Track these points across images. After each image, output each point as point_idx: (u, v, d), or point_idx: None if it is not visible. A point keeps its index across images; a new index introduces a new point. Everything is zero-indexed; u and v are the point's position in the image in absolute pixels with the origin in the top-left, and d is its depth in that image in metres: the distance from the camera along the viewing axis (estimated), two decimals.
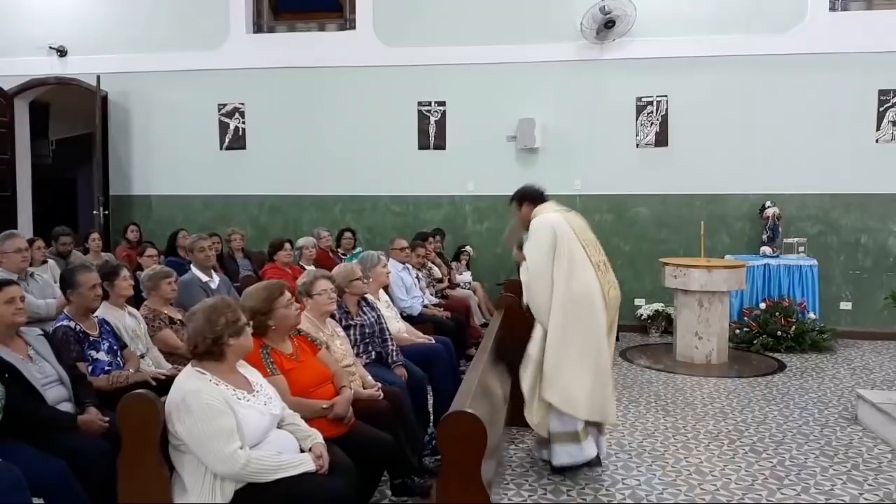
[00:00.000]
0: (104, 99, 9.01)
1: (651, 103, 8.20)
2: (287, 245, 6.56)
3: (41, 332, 3.38)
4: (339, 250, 7.90)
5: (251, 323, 2.82)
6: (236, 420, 2.53)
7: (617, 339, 4.94)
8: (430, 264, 7.28)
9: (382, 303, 4.95)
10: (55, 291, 4.96)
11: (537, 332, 3.93)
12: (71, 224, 9.22)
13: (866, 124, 7.82)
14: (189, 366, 2.69)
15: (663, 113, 8.18)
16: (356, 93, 8.72)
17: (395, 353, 4.35)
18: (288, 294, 3.27)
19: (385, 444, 3.24)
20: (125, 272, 4.14)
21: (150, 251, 6.55)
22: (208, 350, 2.65)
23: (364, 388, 3.62)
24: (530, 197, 4.13)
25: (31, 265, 5.22)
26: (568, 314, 3.79)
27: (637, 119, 8.24)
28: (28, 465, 2.65)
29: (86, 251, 7.41)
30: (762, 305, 7.47)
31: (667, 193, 8.23)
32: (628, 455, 4.33)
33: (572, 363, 3.79)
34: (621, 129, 8.25)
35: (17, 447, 2.78)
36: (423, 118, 8.70)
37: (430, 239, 7.44)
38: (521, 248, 3.97)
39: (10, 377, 2.95)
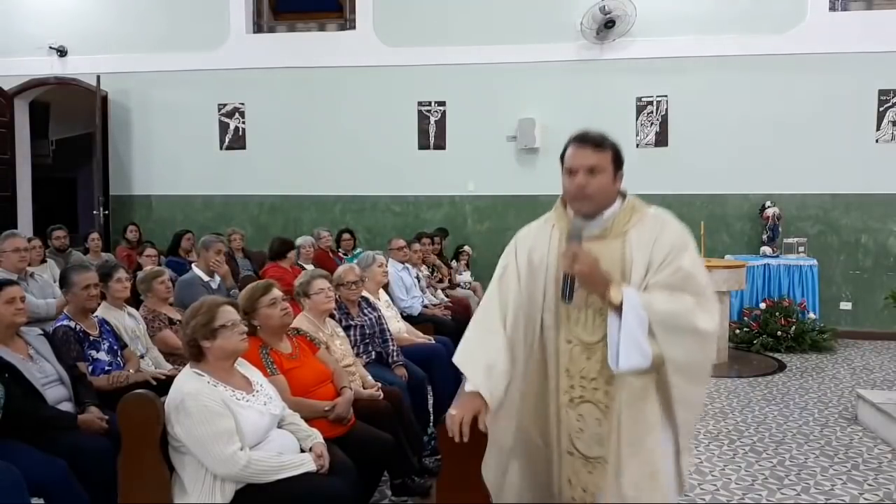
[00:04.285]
0: (104, 99, 9.01)
1: (651, 103, 8.20)
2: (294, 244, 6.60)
3: (41, 332, 3.38)
4: (339, 251, 7.90)
5: (230, 325, 2.68)
6: (236, 420, 2.53)
7: None
8: (430, 265, 7.27)
9: (382, 303, 4.95)
10: (55, 291, 4.97)
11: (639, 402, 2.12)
12: (71, 224, 9.21)
13: (866, 124, 7.82)
14: (188, 367, 2.68)
15: (663, 113, 8.18)
16: (356, 93, 8.72)
17: (395, 353, 4.34)
18: (275, 293, 3.21)
19: (385, 443, 3.24)
20: (120, 274, 4.10)
21: (149, 251, 6.55)
22: (188, 351, 2.67)
23: (364, 388, 3.62)
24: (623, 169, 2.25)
25: (29, 265, 5.22)
26: None
27: (637, 119, 8.24)
28: (28, 465, 2.64)
29: (86, 251, 7.42)
30: (762, 305, 7.47)
31: (667, 193, 8.20)
32: None
33: None
34: (621, 129, 8.23)
35: (17, 447, 2.78)
36: (423, 118, 8.70)
37: (425, 239, 7.38)
38: (577, 237, 2.12)
39: (11, 377, 2.95)
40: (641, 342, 2.04)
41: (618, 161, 2.23)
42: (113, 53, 9.04)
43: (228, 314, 2.70)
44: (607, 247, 2.16)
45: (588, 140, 2.19)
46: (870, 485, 3.91)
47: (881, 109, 7.80)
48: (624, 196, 2.25)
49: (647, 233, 2.16)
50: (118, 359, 3.71)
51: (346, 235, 8.10)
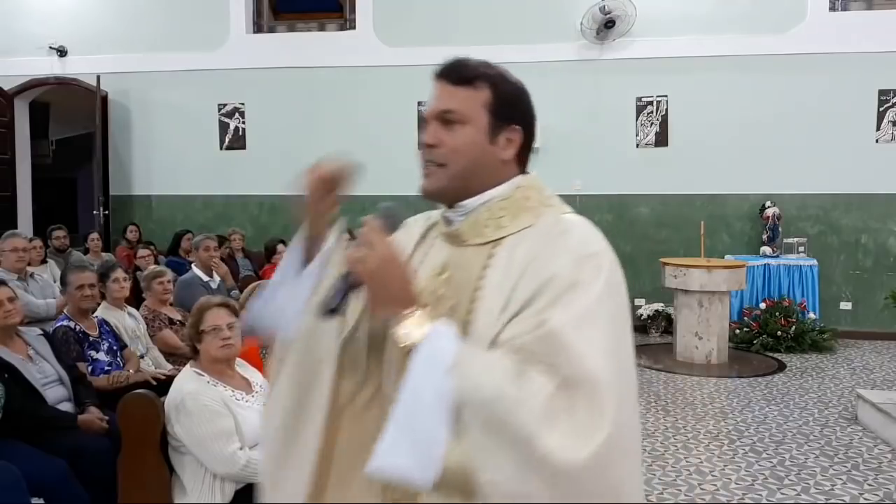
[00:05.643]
0: (104, 99, 9.01)
1: (651, 103, 8.20)
2: (280, 246, 6.58)
3: (41, 332, 3.39)
4: None
5: (210, 330, 2.69)
6: (235, 421, 2.53)
7: None
8: None
9: None
10: (55, 291, 4.98)
11: None
12: (71, 224, 9.22)
13: (866, 124, 7.81)
14: (188, 366, 2.69)
15: (663, 113, 8.18)
16: (356, 93, 8.71)
17: None
18: None
19: None
20: (118, 274, 4.11)
21: (142, 252, 6.52)
22: (190, 350, 2.75)
23: None
24: (528, 126, 1.43)
25: (29, 265, 5.22)
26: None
27: (637, 119, 8.24)
28: (28, 464, 2.65)
29: (86, 251, 7.42)
30: (762, 305, 7.47)
31: (667, 193, 8.23)
32: None
33: None
34: (621, 129, 8.24)
35: (17, 447, 2.79)
36: (423, 118, 8.69)
37: None
38: (389, 217, 1.40)
39: (11, 377, 2.95)
40: (427, 428, 1.04)
41: (503, 110, 1.33)
42: (113, 53, 9.03)
43: (213, 318, 2.66)
44: (465, 260, 1.28)
45: (448, 72, 1.35)
46: (870, 485, 3.91)
47: (881, 109, 7.80)
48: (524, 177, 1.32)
49: (528, 246, 1.21)
50: (118, 359, 3.71)
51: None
